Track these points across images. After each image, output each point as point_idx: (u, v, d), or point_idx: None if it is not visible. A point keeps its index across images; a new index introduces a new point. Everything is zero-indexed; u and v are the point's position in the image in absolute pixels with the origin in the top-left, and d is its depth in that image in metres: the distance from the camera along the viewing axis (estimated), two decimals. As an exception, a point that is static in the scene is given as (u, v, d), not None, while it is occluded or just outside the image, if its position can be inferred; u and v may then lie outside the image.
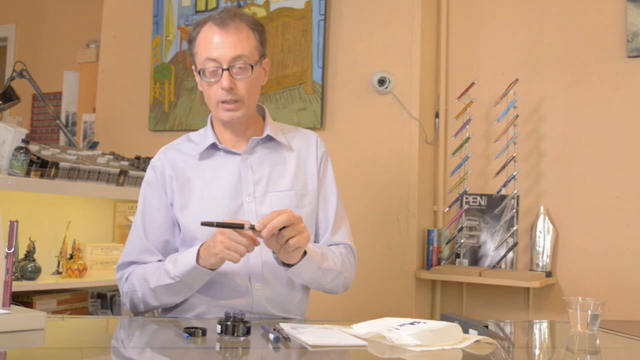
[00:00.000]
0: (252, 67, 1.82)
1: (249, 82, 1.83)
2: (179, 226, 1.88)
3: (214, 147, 1.91)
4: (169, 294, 1.79)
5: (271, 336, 1.43)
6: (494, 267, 3.06)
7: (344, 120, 3.27)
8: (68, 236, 2.74)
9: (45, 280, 2.63)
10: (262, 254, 1.82)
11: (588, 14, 3.04)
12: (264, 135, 1.92)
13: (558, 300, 2.98)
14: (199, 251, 1.71)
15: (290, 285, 1.88)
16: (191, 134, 2.00)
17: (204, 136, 1.94)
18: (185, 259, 1.73)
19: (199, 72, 1.84)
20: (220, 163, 1.90)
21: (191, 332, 1.45)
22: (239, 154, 1.90)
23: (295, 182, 1.91)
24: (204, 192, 1.87)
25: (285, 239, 1.64)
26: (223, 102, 1.83)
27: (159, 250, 1.87)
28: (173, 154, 1.94)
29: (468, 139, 3.08)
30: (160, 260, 1.87)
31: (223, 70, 1.79)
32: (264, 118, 1.99)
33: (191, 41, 1.87)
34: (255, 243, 1.65)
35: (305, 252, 1.73)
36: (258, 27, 1.86)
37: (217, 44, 1.80)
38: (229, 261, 1.67)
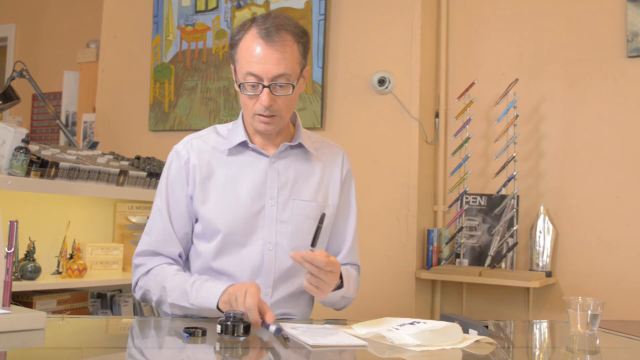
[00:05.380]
0: (293, 86, 1.77)
1: (289, 98, 1.78)
2: (196, 219, 1.85)
3: (243, 145, 1.86)
4: (182, 311, 1.76)
5: (272, 328, 1.44)
6: (494, 267, 3.06)
7: (344, 120, 3.27)
8: (68, 236, 2.74)
9: (45, 280, 2.63)
10: (274, 264, 1.82)
11: (588, 14, 3.04)
12: (296, 142, 1.88)
13: (558, 300, 2.98)
14: (222, 294, 1.65)
15: (297, 295, 1.87)
16: (219, 127, 1.94)
17: (234, 131, 1.89)
18: (207, 295, 1.67)
19: (239, 85, 1.78)
20: (247, 162, 1.86)
21: (191, 332, 1.45)
22: (267, 156, 1.86)
23: (318, 194, 1.88)
24: (227, 188, 1.83)
25: (310, 279, 1.63)
26: (260, 115, 1.79)
27: (179, 242, 1.84)
28: (200, 145, 1.88)
29: (468, 139, 3.08)
30: (180, 255, 1.84)
31: (264, 87, 1.74)
32: (294, 124, 1.95)
33: (233, 45, 1.80)
34: (256, 326, 1.57)
35: (341, 281, 1.73)
36: (303, 38, 1.80)
37: (259, 58, 1.73)
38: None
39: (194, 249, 1.87)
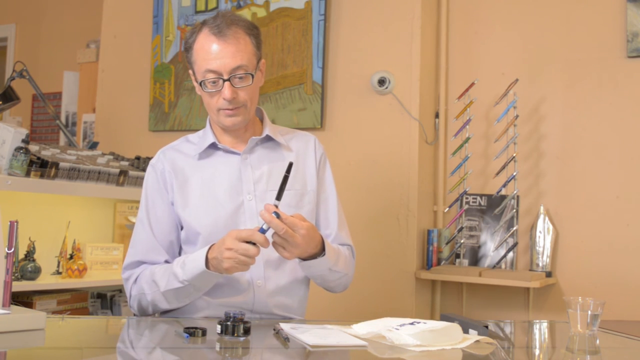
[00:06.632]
0: (252, 76, 1.82)
1: (250, 88, 1.84)
2: (181, 224, 1.89)
3: (213, 147, 1.92)
4: (178, 298, 1.79)
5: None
6: (494, 267, 3.06)
7: (344, 120, 3.27)
8: (68, 236, 2.74)
9: (45, 280, 2.63)
10: (263, 252, 1.82)
11: (588, 14, 3.04)
12: (263, 135, 1.93)
13: (558, 300, 2.98)
14: (207, 255, 1.71)
15: (292, 283, 1.89)
16: (189, 136, 2.01)
17: (203, 137, 1.95)
18: (193, 264, 1.73)
19: (200, 83, 1.84)
20: (219, 162, 1.91)
21: (191, 332, 1.45)
22: (238, 154, 1.91)
23: (295, 182, 1.92)
24: (204, 191, 1.88)
25: (276, 237, 1.67)
26: (225, 109, 1.84)
27: (164, 250, 1.87)
28: (172, 154, 1.95)
29: (468, 139, 3.08)
30: (166, 261, 1.87)
31: (224, 81, 1.80)
32: (262, 120, 2.00)
33: (188, 49, 1.87)
34: (265, 245, 1.65)
35: (324, 251, 1.77)
36: (254, 31, 1.86)
37: (215, 55, 1.79)
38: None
39: (183, 254, 1.89)
